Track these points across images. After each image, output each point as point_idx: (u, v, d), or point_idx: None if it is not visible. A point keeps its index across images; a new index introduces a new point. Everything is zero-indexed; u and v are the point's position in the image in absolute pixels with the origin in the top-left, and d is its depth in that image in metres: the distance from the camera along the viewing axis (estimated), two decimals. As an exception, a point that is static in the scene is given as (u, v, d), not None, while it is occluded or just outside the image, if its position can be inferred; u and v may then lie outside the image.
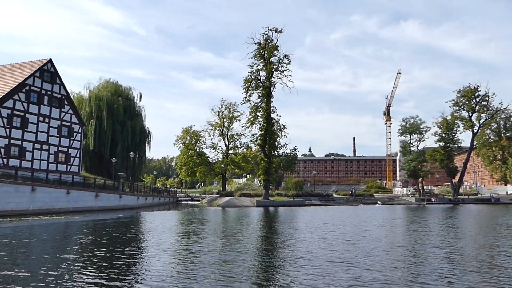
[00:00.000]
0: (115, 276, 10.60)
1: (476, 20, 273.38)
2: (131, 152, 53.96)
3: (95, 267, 11.88)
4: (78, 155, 47.30)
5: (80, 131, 47.87)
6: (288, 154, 72.18)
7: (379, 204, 64.50)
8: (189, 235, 20.88)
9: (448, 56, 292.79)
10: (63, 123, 45.49)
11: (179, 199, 73.42)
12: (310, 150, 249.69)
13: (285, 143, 62.97)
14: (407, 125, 79.11)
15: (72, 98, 55.32)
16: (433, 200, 70.85)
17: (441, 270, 11.93)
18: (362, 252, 15.11)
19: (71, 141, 46.52)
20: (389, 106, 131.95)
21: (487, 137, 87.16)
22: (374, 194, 78.91)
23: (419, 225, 28.03)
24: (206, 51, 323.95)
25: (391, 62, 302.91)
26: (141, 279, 10.32)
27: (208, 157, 71.49)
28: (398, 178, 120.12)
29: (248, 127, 57.85)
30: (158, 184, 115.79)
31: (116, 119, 56.79)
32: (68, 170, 45.12)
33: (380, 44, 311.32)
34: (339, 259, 13.63)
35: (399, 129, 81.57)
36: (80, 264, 12.34)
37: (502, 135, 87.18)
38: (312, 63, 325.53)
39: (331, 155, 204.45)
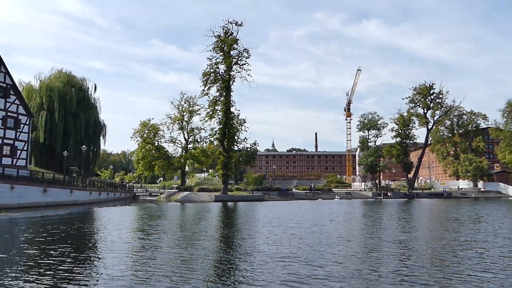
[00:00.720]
0: (56, 281, 9.77)
1: (433, 21, 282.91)
2: (84, 145, 51.82)
3: (31, 269, 10.98)
4: (25, 148, 44.92)
5: (28, 122, 45.46)
6: (248, 149, 71.99)
7: (337, 198, 65.31)
8: (134, 232, 20.07)
9: (407, 55, 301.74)
10: (9, 114, 43.01)
11: (136, 194, 71.64)
12: (273, 145, 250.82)
13: (245, 138, 62.46)
14: (365, 121, 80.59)
15: (21, 88, 52.62)
16: (389, 194, 72.57)
17: (380, 264, 11.83)
18: (307, 247, 14.88)
19: (18, 133, 44.10)
20: (349, 103, 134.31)
21: (441, 133, 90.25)
22: (333, 189, 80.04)
23: (370, 219, 28.36)
24: (169, 43, 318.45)
25: (353, 60, 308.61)
26: (89, 283, 9.49)
27: (167, 151, 70.12)
28: (357, 173, 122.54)
29: (206, 121, 57.04)
30: (117, 179, 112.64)
31: (69, 110, 54.38)
32: (14, 163, 42.76)
33: (342, 42, 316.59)
34: (281, 254, 13.33)
35: (357, 125, 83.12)
36: (15, 267, 11.38)
37: (455, 132, 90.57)
38: (277, 59, 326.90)
39: (294, 150, 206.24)
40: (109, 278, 9.83)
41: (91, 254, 13.48)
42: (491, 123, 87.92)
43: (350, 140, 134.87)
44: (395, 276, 10.32)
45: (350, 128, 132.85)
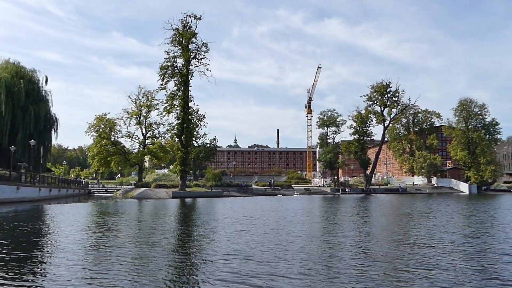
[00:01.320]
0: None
1: (391, 22, 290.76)
2: (33, 140, 49.26)
3: None
4: (-32, 143, 42.20)
5: (-29, 116, 42.68)
6: (208, 145, 71.12)
7: (297, 194, 65.68)
8: (80, 231, 19.07)
9: (367, 54, 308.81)
10: (-52, 106, 40.23)
11: (91, 190, 69.28)
12: (235, 142, 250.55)
13: (205, 133, 61.64)
14: (325, 118, 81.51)
15: (-36, 79, 49.37)
16: (347, 190, 73.79)
17: (317, 259, 11.64)
18: (252, 243, 14.54)
19: (-40, 126, 41.36)
20: (310, 100, 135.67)
21: (397, 131, 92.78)
22: (293, 185, 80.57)
23: (324, 215, 28.53)
24: (130, 37, 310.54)
25: (314, 58, 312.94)
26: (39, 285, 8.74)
27: (124, 146, 68.05)
28: (317, 169, 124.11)
29: (164, 116, 55.68)
30: (72, 175, 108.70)
31: (17, 103, 51.37)
32: (-46, 159, 40.09)
33: (304, 40, 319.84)
34: (221, 251, 12.94)
35: (317, 122, 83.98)
36: None
37: (411, 129, 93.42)
38: (239, 54, 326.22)
39: (255, 146, 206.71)
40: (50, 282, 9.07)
41: (29, 254, 12.55)
42: (445, 122, 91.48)
43: (311, 137, 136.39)
44: (334, 272, 10.14)
45: (310, 125, 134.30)
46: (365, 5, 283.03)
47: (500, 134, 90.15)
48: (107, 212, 30.20)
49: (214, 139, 70.48)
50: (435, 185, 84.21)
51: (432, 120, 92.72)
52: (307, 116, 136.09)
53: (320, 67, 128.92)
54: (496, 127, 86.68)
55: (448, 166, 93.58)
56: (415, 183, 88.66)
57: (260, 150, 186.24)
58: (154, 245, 14.35)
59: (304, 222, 22.83)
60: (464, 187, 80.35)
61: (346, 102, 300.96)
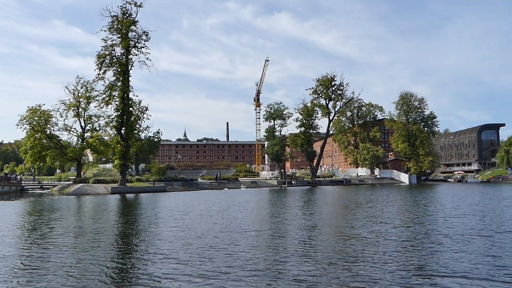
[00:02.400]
0: None
1: (340, 18, 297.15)
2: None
3: None
4: None
5: None
6: (151, 138, 68.87)
7: (243, 187, 65.14)
8: None
9: (316, 49, 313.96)
10: None
11: (25, 187, 64.93)
12: (185, 135, 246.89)
13: (148, 126, 59.33)
14: (272, 111, 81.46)
15: None
16: (293, 182, 74.28)
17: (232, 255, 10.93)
18: (177, 241, 13.63)
19: None
20: (258, 93, 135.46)
21: (342, 124, 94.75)
22: (241, 178, 79.97)
23: (265, 207, 28.01)
24: (74, 25, 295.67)
25: (265, 52, 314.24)
26: None
27: (61, 140, 64.23)
28: (266, 162, 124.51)
29: (102, 107, 52.98)
30: (6, 171, 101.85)
31: None
32: None
33: (255, 33, 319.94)
34: (140, 249, 11.95)
35: (264, 115, 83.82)
36: None
37: (355, 122, 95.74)
38: (189, 47, 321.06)
39: (205, 140, 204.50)
40: None
41: None
42: (387, 115, 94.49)
43: (260, 130, 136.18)
44: (252, 266, 9.42)
45: (259, 118, 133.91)
46: (314, 1, 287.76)
47: (437, 127, 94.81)
48: (34, 210, 27.97)
49: (158, 132, 68.36)
50: (378, 176, 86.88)
51: (375, 113, 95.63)
52: (255, 109, 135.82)
53: (268, 60, 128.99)
54: (434, 120, 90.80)
55: (390, 157, 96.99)
56: (359, 175, 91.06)
57: (209, 144, 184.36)
58: (58, 247, 13.01)
59: (233, 217, 22.09)
60: (404, 178, 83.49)
61: (296, 95, 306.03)
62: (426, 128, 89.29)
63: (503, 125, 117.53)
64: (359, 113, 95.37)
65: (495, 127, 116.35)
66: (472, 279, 8.72)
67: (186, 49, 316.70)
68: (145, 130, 59.86)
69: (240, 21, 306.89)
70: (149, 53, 51.99)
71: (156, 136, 68.91)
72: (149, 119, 55.55)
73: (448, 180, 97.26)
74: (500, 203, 29.25)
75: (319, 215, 22.68)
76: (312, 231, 16.05)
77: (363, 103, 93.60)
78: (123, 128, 52.41)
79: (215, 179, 69.37)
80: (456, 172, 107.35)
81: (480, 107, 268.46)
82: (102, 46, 50.63)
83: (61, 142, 64.04)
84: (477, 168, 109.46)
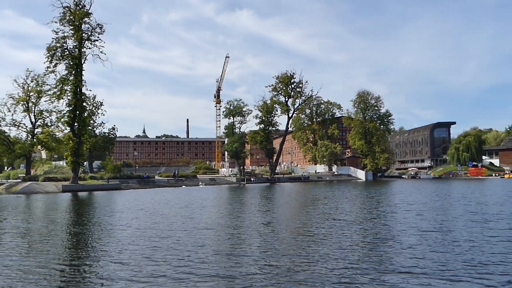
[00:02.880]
0: None
1: (300, 17, 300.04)
2: None
3: None
4: None
5: None
6: (107, 134, 66.73)
7: (202, 185, 64.38)
8: None
9: (277, 47, 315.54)
10: None
11: (-34, 186, 61.12)
12: (144, 132, 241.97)
13: (102, 122, 57.28)
14: (231, 107, 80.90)
15: None
16: (252, 179, 74.22)
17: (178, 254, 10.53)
18: (122, 241, 13.02)
19: None
20: (219, 89, 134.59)
21: (301, 121, 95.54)
22: (200, 176, 79.06)
23: (217, 205, 27.68)
24: (26, 17, 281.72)
25: (226, 48, 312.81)
26: None
27: (8, 136, 61.02)
28: (226, 159, 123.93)
29: (53, 102, 50.61)
30: None
31: None
32: None
33: (216, 30, 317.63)
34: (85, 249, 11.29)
35: (223, 111, 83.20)
36: None
37: (314, 120, 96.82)
38: (150, 42, 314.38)
39: (164, 136, 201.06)
40: None
41: None
42: (345, 113, 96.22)
43: (220, 127, 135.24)
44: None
45: (219, 115, 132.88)
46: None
47: (393, 125, 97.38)
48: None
49: (114, 129, 66.22)
50: (335, 173, 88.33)
51: (333, 111, 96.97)
52: (216, 106, 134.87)
53: (228, 57, 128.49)
54: (389, 118, 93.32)
55: (347, 154, 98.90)
56: (317, 172, 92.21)
57: (168, 140, 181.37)
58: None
59: (182, 216, 21.61)
60: (361, 174, 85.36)
61: (256, 92, 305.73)
62: (382, 126, 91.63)
63: (454, 123, 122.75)
64: (318, 111, 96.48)
65: (447, 125, 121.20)
66: (417, 275, 8.75)
67: (146, 44, 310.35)
68: (99, 126, 57.71)
69: (202, 17, 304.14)
70: (103, 46, 50.23)
71: (112, 133, 66.75)
72: (104, 115, 53.86)
73: (403, 176, 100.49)
74: (446, 200, 30.32)
75: (274, 212, 22.55)
76: (265, 228, 15.85)
77: (322, 101, 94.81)
78: (75, 124, 50.38)
79: (173, 177, 68.22)
80: (410, 169, 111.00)
81: (433, 106, 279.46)
82: (52, 38, 48.37)
83: (9, 138, 60.88)
84: (429, 164, 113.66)
